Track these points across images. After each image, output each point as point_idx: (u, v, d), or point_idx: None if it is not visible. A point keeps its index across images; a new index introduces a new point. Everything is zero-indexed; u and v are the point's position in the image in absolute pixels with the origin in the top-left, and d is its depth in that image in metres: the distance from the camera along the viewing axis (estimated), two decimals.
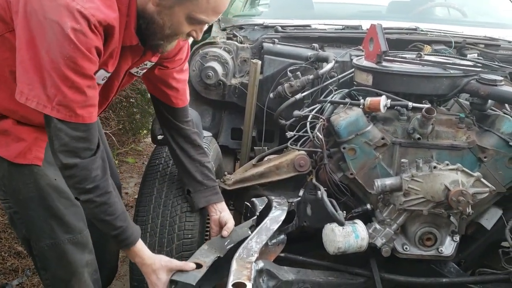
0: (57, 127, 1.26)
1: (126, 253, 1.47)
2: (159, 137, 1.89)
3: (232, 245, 1.60)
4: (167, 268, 1.44)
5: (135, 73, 1.56)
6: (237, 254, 1.52)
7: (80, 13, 1.17)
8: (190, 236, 1.69)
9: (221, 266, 1.55)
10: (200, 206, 1.71)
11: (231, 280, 1.37)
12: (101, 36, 1.25)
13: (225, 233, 1.63)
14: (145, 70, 1.56)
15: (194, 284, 1.40)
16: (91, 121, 1.30)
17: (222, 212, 1.72)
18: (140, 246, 1.45)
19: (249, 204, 1.87)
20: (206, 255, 1.53)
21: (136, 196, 1.88)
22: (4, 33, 1.31)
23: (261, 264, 1.56)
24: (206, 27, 1.40)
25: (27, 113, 1.37)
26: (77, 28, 1.18)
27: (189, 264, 1.44)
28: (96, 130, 1.34)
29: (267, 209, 1.84)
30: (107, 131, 3.64)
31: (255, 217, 1.76)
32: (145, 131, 4.68)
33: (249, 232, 1.66)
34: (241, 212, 2.11)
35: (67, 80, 1.21)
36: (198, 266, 1.46)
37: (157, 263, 1.44)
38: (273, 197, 1.87)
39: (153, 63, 1.55)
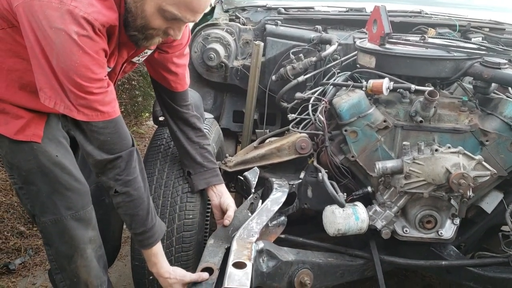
0: (89, 129, 1.32)
1: (145, 255, 1.51)
2: (161, 118, 1.89)
3: (236, 231, 1.61)
4: (182, 282, 1.49)
5: (137, 61, 1.57)
6: (237, 234, 1.53)
7: (85, 19, 1.20)
8: (191, 216, 1.70)
9: None
10: (199, 188, 1.72)
11: (232, 259, 1.39)
12: (105, 37, 1.28)
13: (226, 222, 1.65)
14: (145, 57, 1.57)
15: None
16: (116, 115, 1.34)
17: (222, 196, 1.73)
18: (160, 248, 1.50)
19: (242, 178, 1.87)
20: (214, 253, 1.54)
21: None
22: (6, 28, 1.32)
23: (261, 245, 1.57)
24: (184, 27, 1.38)
25: (23, 102, 1.40)
26: (83, 33, 1.21)
27: (202, 276, 1.47)
28: (124, 123, 1.39)
29: (268, 190, 1.85)
30: None
31: (252, 195, 1.76)
32: (147, 114, 4.67)
33: (250, 214, 1.67)
34: (242, 195, 2.12)
35: (80, 86, 1.25)
36: (210, 271, 1.48)
37: (172, 278, 1.50)
38: (274, 179, 1.87)
39: (152, 50, 1.55)
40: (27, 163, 1.42)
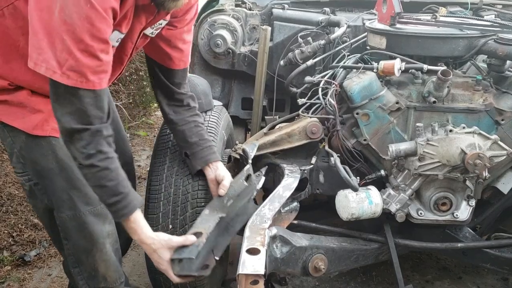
0: (68, 92, 1.22)
1: (125, 227, 1.40)
2: None
3: (232, 201, 1.56)
4: (167, 246, 1.41)
5: (150, 34, 1.49)
6: (250, 221, 1.51)
7: None
8: (203, 204, 1.68)
9: (229, 224, 1.54)
10: (198, 168, 1.65)
11: (245, 246, 1.38)
12: None
13: (221, 191, 1.58)
14: (159, 30, 1.50)
15: (194, 257, 1.38)
16: (101, 87, 1.26)
17: (217, 169, 1.66)
18: (138, 216, 1.39)
19: (242, 153, 1.80)
20: (206, 221, 1.50)
21: (148, 168, 1.87)
22: (14, 2, 1.29)
23: (274, 231, 1.55)
24: None
25: (43, 83, 1.32)
26: None
27: (189, 238, 1.40)
28: (106, 97, 1.32)
29: (279, 176, 1.83)
30: (118, 104, 3.63)
31: (248, 166, 1.68)
32: (155, 104, 4.66)
33: (245, 184, 1.61)
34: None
35: (81, 43, 1.17)
36: (199, 235, 1.43)
37: (156, 243, 1.40)
38: (285, 165, 1.85)
39: (167, 21, 1.48)
40: (45, 158, 1.39)
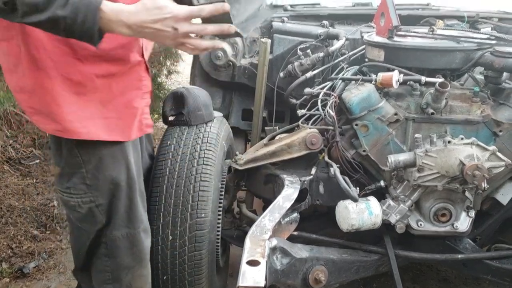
0: None
1: (106, 27, 1.08)
2: (170, 118, 1.89)
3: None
4: (183, 17, 1.09)
5: None
6: (250, 232, 1.52)
7: None
8: (203, 215, 1.69)
9: None
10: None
11: (245, 257, 1.37)
12: None
13: None
14: None
15: None
16: None
17: None
18: (109, 9, 1.07)
19: None
20: None
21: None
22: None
23: (274, 242, 1.55)
24: None
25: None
26: None
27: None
28: None
29: (279, 187, 1.84)
30: None
31: None
32: (156, 116, 4.67)
33: None
34: (253, 192, 2.11)
35: None
36: None
37: (169, 8, 1.08)
38: (285, 176, 1.86)
39: None
40: (118, 171, 1.33)
